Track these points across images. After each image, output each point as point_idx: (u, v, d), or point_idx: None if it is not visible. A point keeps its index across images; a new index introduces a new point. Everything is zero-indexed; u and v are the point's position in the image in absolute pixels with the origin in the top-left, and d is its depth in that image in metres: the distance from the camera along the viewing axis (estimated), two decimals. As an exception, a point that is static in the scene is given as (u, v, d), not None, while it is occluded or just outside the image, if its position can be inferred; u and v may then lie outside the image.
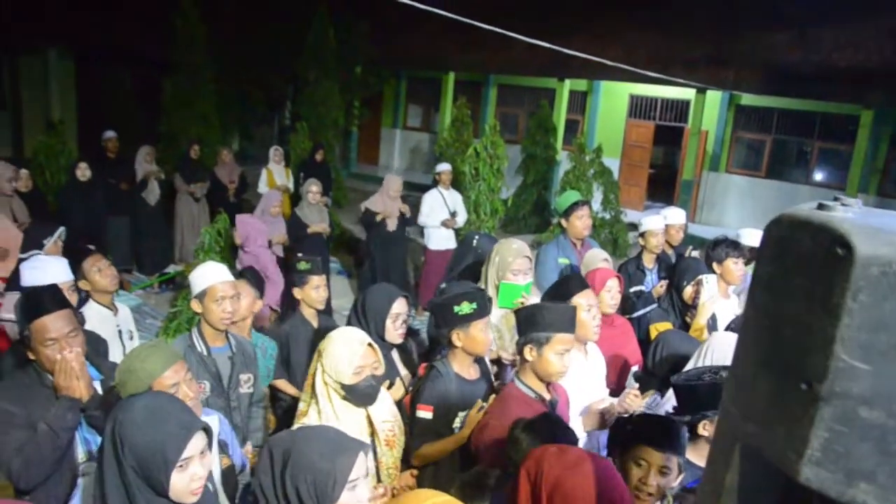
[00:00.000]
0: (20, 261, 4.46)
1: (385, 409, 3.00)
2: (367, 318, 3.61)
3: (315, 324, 4.27)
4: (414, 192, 9.72)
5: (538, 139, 14.83)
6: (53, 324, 2.75)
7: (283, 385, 4.07)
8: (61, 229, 4.77)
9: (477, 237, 4.85)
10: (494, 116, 17.47)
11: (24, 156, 14.01)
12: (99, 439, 2.85)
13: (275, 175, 10.31)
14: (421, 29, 14.96)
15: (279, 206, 7.44)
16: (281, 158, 10.57)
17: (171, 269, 9.57)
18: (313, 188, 7.69)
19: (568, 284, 3.70)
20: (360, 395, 2.81)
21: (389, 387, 3.45)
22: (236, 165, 10.50)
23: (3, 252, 4.69)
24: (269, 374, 3.98)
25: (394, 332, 3.63)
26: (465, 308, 3.21)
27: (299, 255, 4.30)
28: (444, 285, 4.17)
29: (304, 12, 14.97)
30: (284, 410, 4.03)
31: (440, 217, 8.37)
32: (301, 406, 2.94)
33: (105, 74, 16.13)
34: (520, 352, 3.08)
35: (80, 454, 2.80)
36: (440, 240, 8.51)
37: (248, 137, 18.69)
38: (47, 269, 3.55)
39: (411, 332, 4.29)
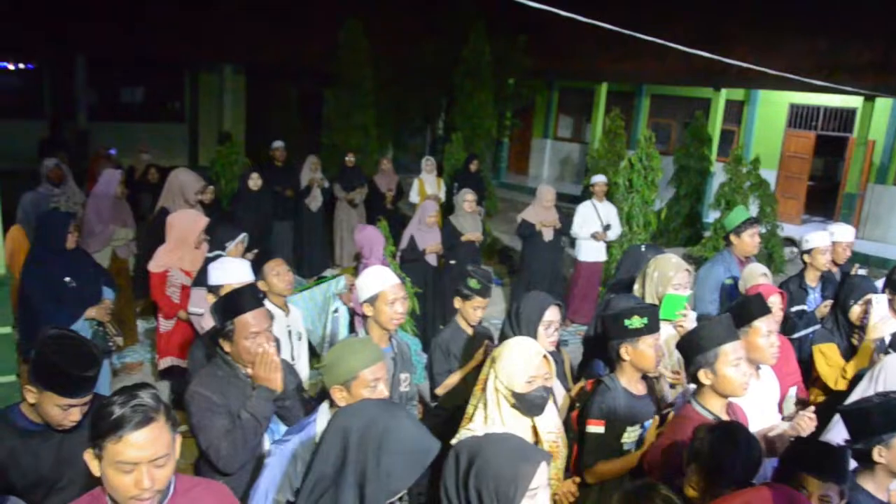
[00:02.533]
0: (207, 260, 4.90)
1: (550, 421, 3.02)
2: (519, 324, 3.66)
3: (470, 332, 4.39)
4: (563, 203, 9.73)
5: (692, 150, 14.48)
6: (255, 319, 2.99)
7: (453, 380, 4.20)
8: (244, 234, 5.12)
9: (643, 248, 4.84)
10: (647, 127, 17.19)
11: (199, 164, 15.10)
12: (282, 428, 3.11)
13: (426, 185, 10.57)
14: (575, 40, 14.97)
15: (435, 215, 7.66)
16: (433, 169, 10.83)
17: (329, 272, 10.04)
18: (469, 197, 7.88)
19: (748, 307, 3.55)
20: (530, 404, 2.84)
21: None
22: (394, 174, 10.88)
23: (181, 240, 5.08)
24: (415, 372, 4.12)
25: (545, 339, 3.64)
26: (636, 322, 3.22)
27: (471, 268, 4.38)
28: (610, 297, 4.20)
29: (461, 26, 15.31)
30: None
31: (592, 229, 8.38)
32: (468, 409, 3.00)
33: (272, 88, 17.09)
34: (694, 380, 3.06)
35: (267, 441, 3.04)
36: (591, 252, 8.51)
37: (401, 147, 19.26)
38: (232, 269, 3.84)
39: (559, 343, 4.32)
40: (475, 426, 2.87)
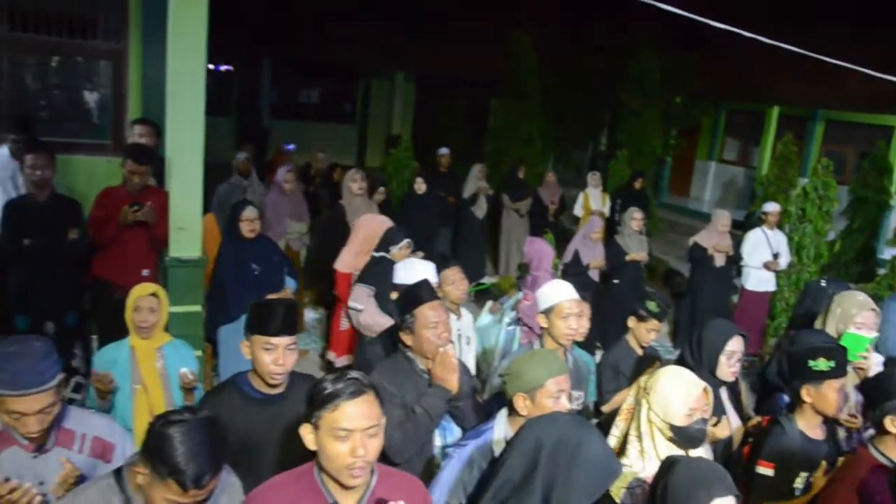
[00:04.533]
0: (372, 259, 5.09)
1: (706, 454, 2.94)
2: (700, 352, 3.60)
3: (640, 352, 4.36)
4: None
5: (870, 181, 13.59)
6: (434, 310, 3.12)
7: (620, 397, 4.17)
8: (408, 240, 5.25)
9: (823, 283, 4.65)
10: (820, 154, 16.34)
11: (366, 165, 15.66)
12: (455, 429, 3.20)
13: (591, 199, 10.52)
14: (747, 60, 14.44)
15: (600, 231, 7.62)
16: (598, 183, 10.75)
17: (487, 279, 10.18)
18: (636, 216, 7.78)
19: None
20: (688, 437, 2.74)
21: (715, 425, 3.42)
22: (558, 187, 10.90)
23: (366, 243, 5.29)
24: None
25: (727, 369, 3.57)
26: (822, 364, 3.09)
27: (651, 290, 4.36)
28: (794, 333, 4.05)
29: (628, 41, 15.13)
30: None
31: (761, 257, 8.07)
32: (612, 440, 2.90)
33: (440, 95, 17.49)
34: (879, 426, 2.92)
35: (438, 440, 3.15)
36: (759, 281, 8.20)
37: (563, 160, 19.22)
38: (417, 270, 4.00)
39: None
40: (630, 461, 2.78)
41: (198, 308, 5.54)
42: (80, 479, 2.44)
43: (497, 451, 2.71)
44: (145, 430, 2.09)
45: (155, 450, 2.00)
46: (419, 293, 3.19)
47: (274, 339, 2.73)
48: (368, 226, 5.41)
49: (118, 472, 2.24)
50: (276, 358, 2.74)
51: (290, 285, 5.48)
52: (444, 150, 10.17)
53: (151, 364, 3.79)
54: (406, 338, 3.15)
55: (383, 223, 5.34)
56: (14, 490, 2.29)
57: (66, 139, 6.90)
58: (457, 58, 15.81)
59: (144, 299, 3.77)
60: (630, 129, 14.91)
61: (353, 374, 2.14)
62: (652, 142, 14.93)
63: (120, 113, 7.19)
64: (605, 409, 4.20)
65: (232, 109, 16.76)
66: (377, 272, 4.95)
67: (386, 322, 4.73)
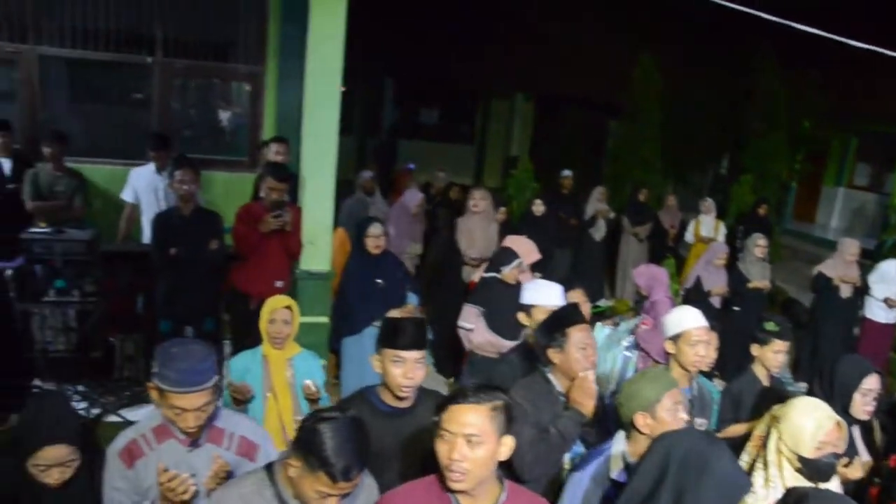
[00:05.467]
0: (481, 280, 5.18)
1: (835, 489, 2.86)
2: (832, 387, 3.53)
3: (766, 383, 4.27)
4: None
5: None
6: (584, 332, 3.19)
7: (735, 428, 4.11)
8: (519, 260, 5.28)
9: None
10: (964, 182, 15.42)
11: (483, 185, 15.81)
12: (580, 448, 3.24)
13: (702, 226, 10.26)
14: (879, 79, 13.81)
15: (724, 257, 7.48)
16: (710, 210, 10.45)
17: (603, 303, 10.11)
18: (760, 243, 7.60)
19: None
20: (817, 470, 2.73)
21: (846, 465, 3.33)
22: (678, 211, 10.73)
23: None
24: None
25: (861, 407, 3.49)
26: None
27: (765, 314, 4.29)
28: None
29: (749, 61, 14.73)
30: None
31: (890, 291, 7.70)
32: (741, 464, 2.90)
33: (559, 116, 17.48)
34: None
35: (566, 460, 3.18)
36: (882, 311, 7.82)
37: (681, 184, 18.81)
38: (545, 291, 4.06)
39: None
40: (755, 489, 2.78)
41: (324, 319, 5.78)
42: (228, 475, 2.63)
43: (615, 470, 2.76)
44: (295, 430, 2.26)
45: (307, 443, 2.15)
46: (571, 314, 3.28)
47: (403, 353, 2.82)
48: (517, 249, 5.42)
49: (269, 468, 2.41)
50: (406, 371, 2.83)
51: (413, 301, 5.64)
52: (566, 173, 10.19)
53: (282, 374, 3.97)
54: (554, 356, 3.20)
55: (532, 250, 5.33)
56: (172, 479, 2.49)
57: (206, 156, 7.34)
58: (578, 79, 15.78)
59: (279, 311, 3.95)
60: (754, 152, 14.50)
61: (486, 387, 2.26)
62: (777, 167, 14.46)
63: (256, 131, 7.60)
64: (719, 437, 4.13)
65: (354, 128, 17.30)
66: (487, 292, 5.02)
67: (498, 341, 4.80)
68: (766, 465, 2.82)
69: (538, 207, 8.93)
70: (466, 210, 7.42)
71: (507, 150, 17.33)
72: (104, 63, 7.45)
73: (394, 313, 5.34)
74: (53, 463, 2.61)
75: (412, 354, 2.84)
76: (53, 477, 2.63)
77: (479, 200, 7.29)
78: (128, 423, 4.68)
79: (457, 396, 2.23)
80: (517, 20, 14.91)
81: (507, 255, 5.10)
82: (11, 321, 5.55)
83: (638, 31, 14.02)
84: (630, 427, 2.83)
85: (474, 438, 2.17)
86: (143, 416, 5.02)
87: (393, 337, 2.86)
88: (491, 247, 6.86)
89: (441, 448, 2.21)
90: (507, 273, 5.00)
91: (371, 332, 5.39)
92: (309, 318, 5.71)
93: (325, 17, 5.46)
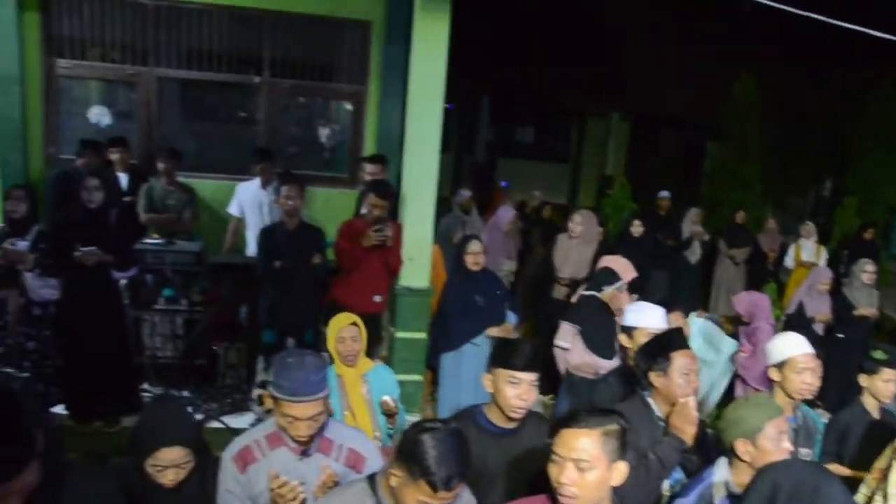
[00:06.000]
0: (581, 298, 5.14)
1: None
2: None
3: (875, 415, 4.09)
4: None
5: None
6: (688, 358, 3.15)
7: (837, 469, 3.97)
8: (622, 282, 5.22)
9: None
10: None
11: (577, 204, 15.75)
12: (679, 474, 3.18)
13: (803, 250, 9.92)
14: None
15: (828, 283, 7.22)
16: (811, 234, 10.07)
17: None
18: (868, 269, 7.32)
19: None
20: None
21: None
22: (778, 235, 10.43)
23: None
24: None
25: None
26: None
27: (873, 343, 4.13)
28: None
29: (855, 81, 14.21)
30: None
31: None
32: (860, 496, 2.88)
33: (656, 136, 17.23)
34: None
35: (665, 486, 3.13)
36: None
37: (781, 206, 18.25)
38: (647, 314, 4.00)
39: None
40: None
41: (422, 335, 5.86)
42: (335, 485, 2.69)
43: (718, 498, 2.72)
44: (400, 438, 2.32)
45: (409, 453, 2.20)
46: (675, 339, 3.24)
47: (519, 374, 2.80)
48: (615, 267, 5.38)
49: (371, 478, 2.46)
50: (521, 393, 2.81)
51: (511, 320, 5.64)
52: (664, 193, 10.05)
53: (358, 391, 3.99)
54: (656, 380, 3.16)
55: (629, 268, 5.28)
56: (283, 486, 2.58)
57: (307, 172, 7.55)
58: (674, 98, 15.56)
59: (346, 329, 3.95)
60: (861, 174, 13.95)
61: (601, 411, 2.28)
62: (885, 189, 13.87)
63: (357, 149, 7.78)
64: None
65: (450, 146, 17.46)
66: (585, 311, 5.00)
67: (595, 360, 4.76)
68: (885, 497, 2.74)
69: (637, 228, 8.82)
70: (565, 230, 7.40)
71: (602, 170, 17.19)
72: (215, 83, 7.79)
73: (492, 331, 5.41)
74: (169, 464, 2.68)
75: (528, 376, 2.82)
76: (168, 477, 2.69)
77: (576, 225, 7.27)
78: (229, 430, 4.89)
79: (569, 420, 2.24)
80: (613, 39, 14.82)
81: (609, 276, 5.07)
82: (125, 328, 5.82)
83: (738, 50, 13.72)
84: (732, 454, 2.78)
85: (583, 464, 2.18)
86: (243, 423, 5.24)
87: (510, 357, 2.83)
88: (584, 268, 6.83)
89: (552, 470, 2.22)
90: (608, 293, 4.98)
91: (469, 349, 5.44)
92: (407, 333, 5.83)
93: (428, 41, 5.58)
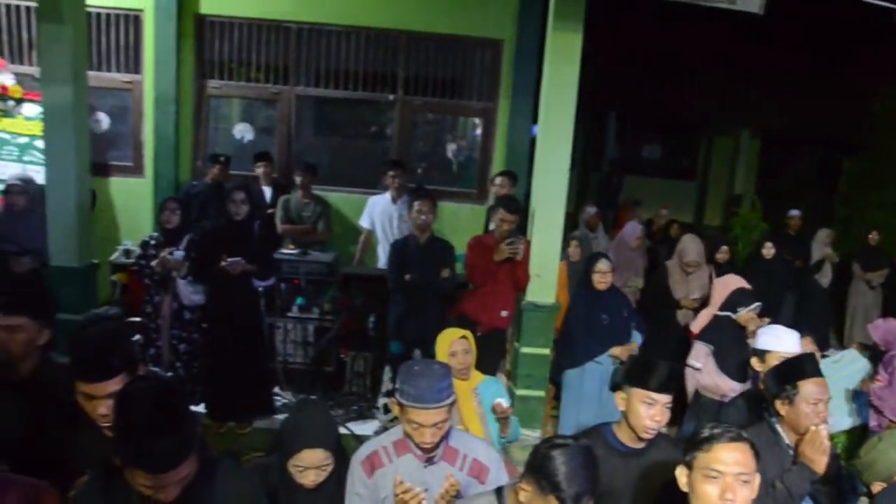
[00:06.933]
0: (714, 318, 5.06)
1: None
2: None
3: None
4: None
5: None
6: (818, 387, 3.04)
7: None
8: (758, 304, 5.03)
9: None
10: None
11: (704, 222, 15.36)
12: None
13: (945, 276, 9.35)
14: None
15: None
16: None
17: (831, 352, 9.42)
18: None
19: None
20: None
21: None
22: (920, 258, 9.85)
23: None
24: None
25: None
26: None
27: None
28: None
29: None
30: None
31: None
32: None
33: (787, 154, 16.56)
34: None
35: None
36: None
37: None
38: (782, 338, 3.90)
39: None
40: None
41: (546, 351, 5.88)
42: (458, 495, 2.75)
43: None
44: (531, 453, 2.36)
45: (540, 468, 2.23)
46: (806, 365, 3.13)
47: (655, 395, 2.79)
48: (726, 286, 5.33)
49: (499, 491, 2.52)
50: (654, 413, 2.80)
51: (637, 339, 5.59)
52: (794, 213, 9.69)
53: (470, 404, 4.01)
54: (781, 408, 3.08)
55: (739, 282, 5.24)
56: (407, 492, 2.66)
57: (436, 187, 7.72)
58: (809, 116, 14.95)
59: (458, 342, 4.00)
60: None
61: (732, 426, 2.28)
62: None
63: (486, 165, 7.91)
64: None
65: (576, 163, 17.35)
66: (718, 331, 4.93)
67: (725, 382, 4.68)
68: None
69: (769, 250, 8.52)
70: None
71: (731, 188, 16.67)
72: (351, 100, 8.10)
73: (615, 351, 5.39)
74: (311, 465, 2.79)
75: (663, 398, 2.81)
76: (309, 478, 2.80)
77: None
78: (355, 437, 5.06)
79: (718, 436, 2.23)
80: (742, 54, 14.39)
81: (745, 297, 5.00)
82: (262, 335, 6.11)
83: (877, 64, 13.06)
84: (869, 496, 2.70)
85: (744, 477, 2.19)
86: (367, 430, 5.39)
87: (646, 377, 2.82)
88: (698, 289, 6.70)
89: (707, 489, 2.20)
90: (744, 315, 4.92)
91: (592, 367, 5.43)
92: (531, 349, 5.87)
93: (561, 58, 5.63)
